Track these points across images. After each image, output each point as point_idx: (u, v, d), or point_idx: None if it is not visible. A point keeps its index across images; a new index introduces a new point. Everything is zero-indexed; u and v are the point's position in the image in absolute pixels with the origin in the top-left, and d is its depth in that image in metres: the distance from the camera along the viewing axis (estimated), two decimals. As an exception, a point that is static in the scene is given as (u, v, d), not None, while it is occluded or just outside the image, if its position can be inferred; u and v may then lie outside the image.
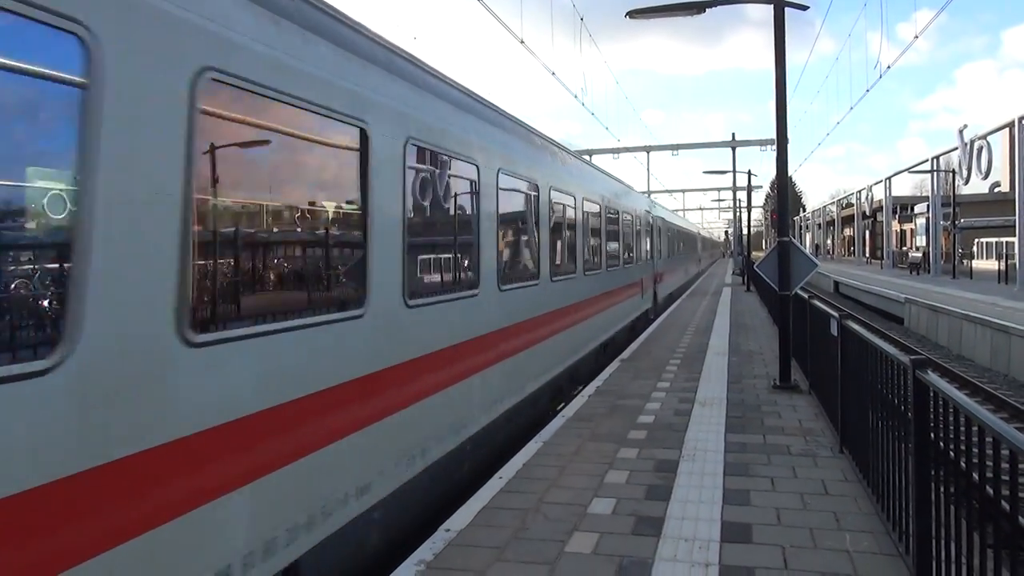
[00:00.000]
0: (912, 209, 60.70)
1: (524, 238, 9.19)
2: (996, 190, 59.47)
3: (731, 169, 48.92)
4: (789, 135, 11.18)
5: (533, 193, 9.32)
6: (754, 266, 15.32)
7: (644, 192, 35.49)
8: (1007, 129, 30.76)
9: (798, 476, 6.52)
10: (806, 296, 10.51)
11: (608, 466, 6.89)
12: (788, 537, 5.17)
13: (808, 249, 67.13)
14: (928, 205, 42.83)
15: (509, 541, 5.19)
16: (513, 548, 5.07)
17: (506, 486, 6.38)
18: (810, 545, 5.04)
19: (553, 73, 22.87)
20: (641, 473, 6.67)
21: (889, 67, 26.37)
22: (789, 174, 12.01)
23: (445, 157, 6.50)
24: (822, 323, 8.61)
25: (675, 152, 56.99)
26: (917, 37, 22.84)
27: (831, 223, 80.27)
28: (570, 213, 11.50)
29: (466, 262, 7.10)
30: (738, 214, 55.32)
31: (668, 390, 10.43)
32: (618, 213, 16.36)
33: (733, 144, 53.21)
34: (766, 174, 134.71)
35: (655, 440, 7.77)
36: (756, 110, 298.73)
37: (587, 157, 23.41)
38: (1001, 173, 56.07)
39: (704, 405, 9.41)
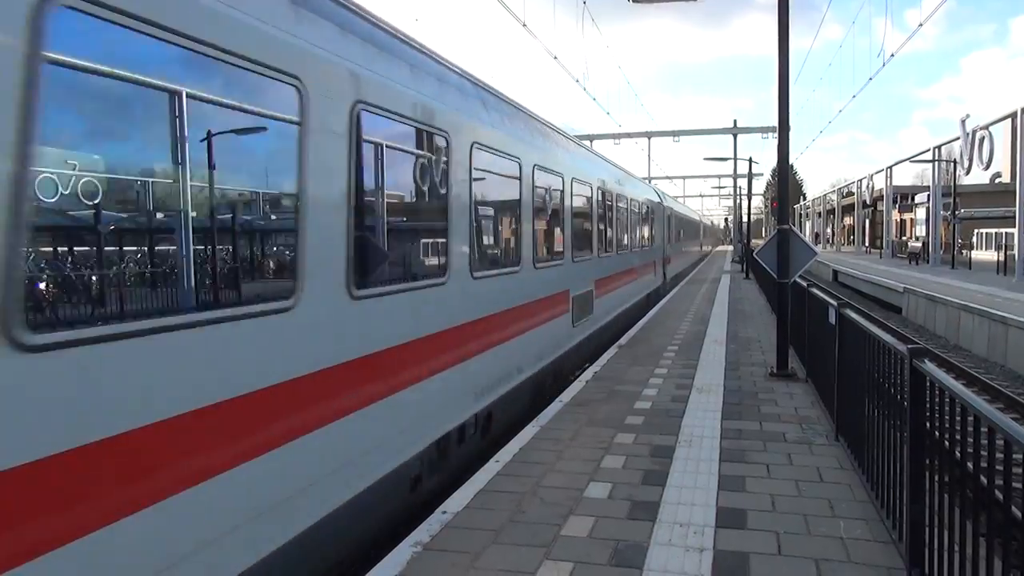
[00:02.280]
0: (913, 199, 60.67)
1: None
2: (997, 181, 59.40)
3: (732, 156, 48.77)
4: (791, 123, 11.15)
5: None
6: (753, 254, 15.30)
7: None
8: (1009, 120, 30.65)
9: (793, 463, 6.56)
10: (805, 284, 10.52)
11: (605, 451, 6.92)
12: (782, 523, 5.21)
13: (808, 238, 67.00)
14: (928, 195, 42.77)
15: (505, 524, 5.22)
16: (509, 531, 5.10)
17: (503, 470, 6.42)
18: (804, 531, 5.08)
19: (555, 57, 22.77)
20: (637, 458, 6.70)
21: (893, 55, 26.26)
22: (790, 162, 11.99)
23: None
24: (820, 311, 8.62)
25: (676, 138, 56.84)
26: (921, 25, 22.74)
27: (831, 212, 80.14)
28: None
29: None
30: (738, 201, 55.25)
31: (666, 376, 10.46)
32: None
33: (735, 131, 53.07)
34: (768, 161, 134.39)
35: (652, 426, 7.81)
36: (759, 97, 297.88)
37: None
38: (1002, 164, 55.94)
39: (701, 392, 9.45)
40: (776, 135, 11.28)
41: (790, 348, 10.93)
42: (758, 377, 10.46)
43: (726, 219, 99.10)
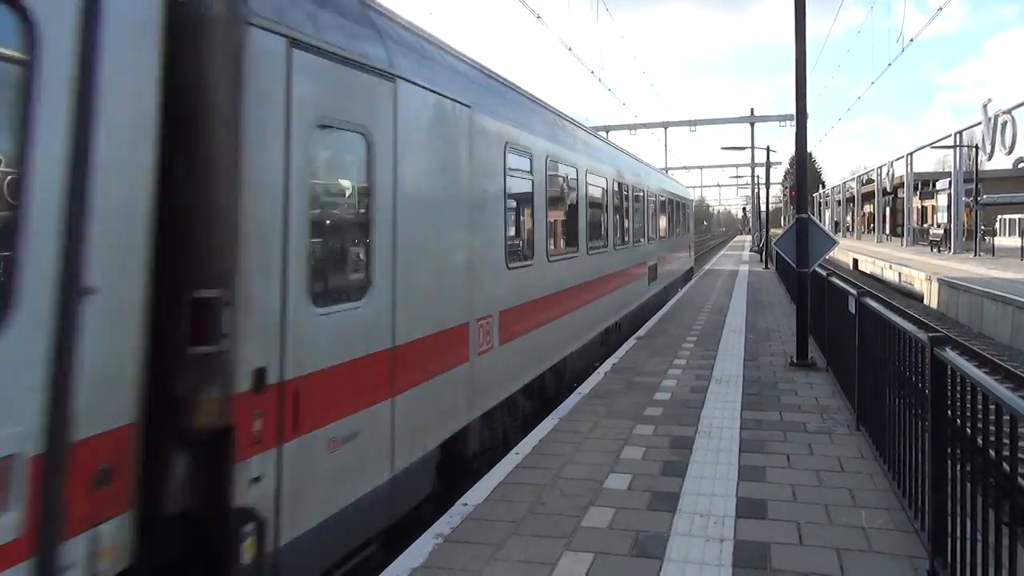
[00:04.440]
0: (934, 185, 59.84)
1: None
2: (1020, 166, 58.39)
3: (750, 145, 48.40)
4: (809, 110, 11.06)
5: None
6: (772, 243, 15.20)
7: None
8: (1032, 103, 30.14)
9: (814, 453, 6.54)
10: (824, 273, 10.45)
11: (624, 442, 6.93)
12: (803, 513, 5.19)
13: (827, 226, 66.41)
14: (950, 181, 42.20)
15: (526, 516, 5.25)
16: (530, 522, 5.13)
17: (523, 462, 6.44)
18: (825, 521, 5.06)
19: (570, 48, 22.69)
20: (657, 449, 6.71)
21: (912, 40, 25.94)
22: (809, 150, 11.89)
23: None
24: (840, 300, 8.57)
25: (693, 128, 56.47)
26: (941, 9, 22.42)
27: (851, 200, 79.32)
28: None
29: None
30: (756, 191, 54.87)
31: (684, 368, 10.44)
32: None
33: (752, 120, 52.64)
34: (786, 150, 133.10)
35: (671, 417, 7.80)
36: (777, 83, 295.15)
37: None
38: (1026, 148, 54.94)
39: (720, 382, 9.42)
40: (794, 123, 11.19)
41: (810, 338, 10.87)
42: (778, 367, 10.41)
43: (744, 209, 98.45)
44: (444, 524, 5.12)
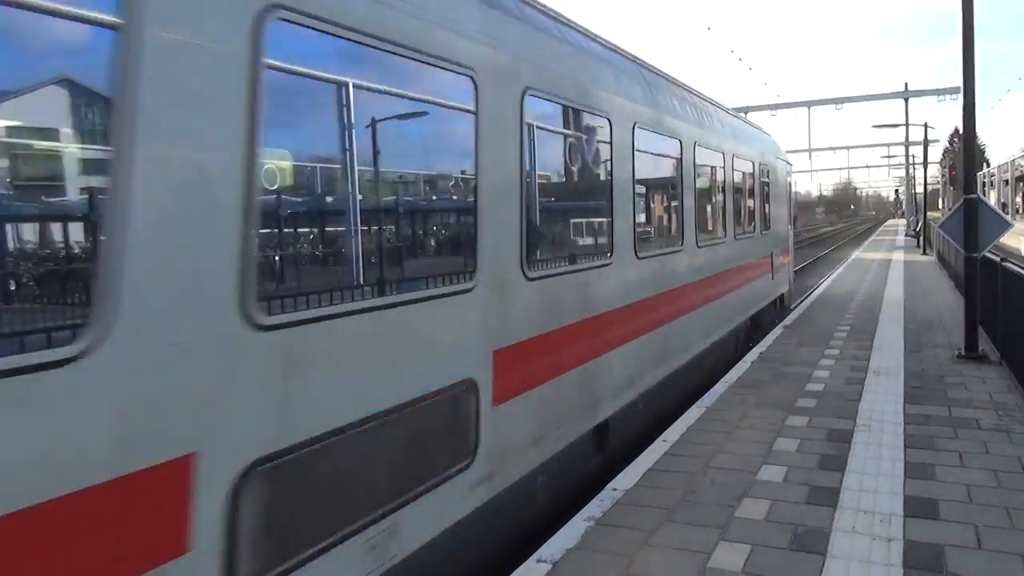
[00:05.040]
0: (1123, 160, 53.61)
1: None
2: None
3: (904, 122, 45.20)
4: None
5: None
6: (936, 226, 14.16)
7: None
8: None
9: (990, 452, 6.06)
10: (997, 259, 9.63)
11: (776, 434, 6.70)
12: (981, 516, 4.84)
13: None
14: None
15: (677, 503, 5.20)
16: (681, 510, 5.08)
17: (670, 449, 6.38)
18: (1007, 525, 4.69)
19: (708, 28, 22.04)
20: (812, 442, 6.44)
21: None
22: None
23: None
24: (1017, 287, 7.88)
25: (839, 106, 53.29)
26: None
27: (1021, 179, 72.38)
28: None
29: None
30: (911, 172, 51.24)
31: (837, 358, 9.94)
32: None
33: (906, 95, 48.97)
34: (942, 127, 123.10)
35: (826, 409, 7.46)
36: (935, 55, 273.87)
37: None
38: None
39: (879, 375, 8.90)
40: (958, 95, 10.33)
41: (979, 328, 10.06)
42: (943, 360, 9.71)
43: (896, 191, 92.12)
44: (595, 507, 5.16)
